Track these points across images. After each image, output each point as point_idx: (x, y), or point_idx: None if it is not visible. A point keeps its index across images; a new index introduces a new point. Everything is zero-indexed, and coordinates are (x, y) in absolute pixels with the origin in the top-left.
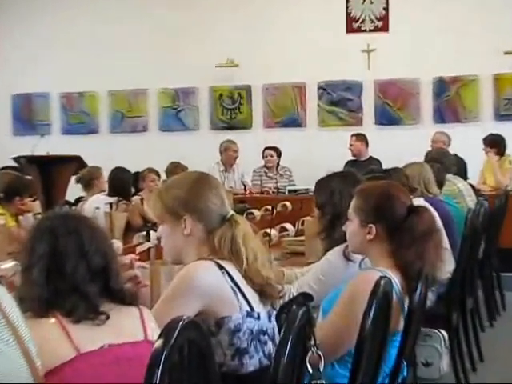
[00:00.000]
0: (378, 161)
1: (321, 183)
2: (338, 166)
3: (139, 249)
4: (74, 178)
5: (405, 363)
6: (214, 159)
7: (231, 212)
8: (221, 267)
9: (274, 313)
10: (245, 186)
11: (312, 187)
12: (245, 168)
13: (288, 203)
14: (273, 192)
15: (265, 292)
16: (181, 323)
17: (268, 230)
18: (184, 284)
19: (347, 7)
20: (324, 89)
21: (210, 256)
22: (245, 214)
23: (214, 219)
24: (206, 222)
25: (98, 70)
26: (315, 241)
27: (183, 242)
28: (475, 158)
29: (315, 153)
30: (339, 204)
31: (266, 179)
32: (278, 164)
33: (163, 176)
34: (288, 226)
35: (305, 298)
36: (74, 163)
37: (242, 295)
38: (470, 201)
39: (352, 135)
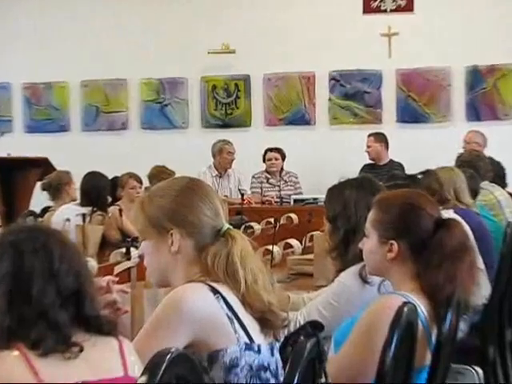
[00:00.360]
0: (401, 165)
1: (332, 192)
2: (353, 172)
3: (118, 269)
4: (39, 184)
5: None
6: (205, 162)
7: (227, 225)
8: (215, 291)
9: (278, 345)
10: (242, 195)
11: (322, 196)
12: (242, 173)
13: (293, 215)
14: (275, 202)
15: (266, 320)
16: (168, 357)
17: (270, 247)
18: (171, 311)
19: None
20: (337, 79)
21: (201, 277)
22: (242, 227)
23: (207, 234)
24: (196, 238)
25: (69, 57)
26: (326, 260)
27: (170, 261)
28: None
29: (326, 155)
30: (354, 216)
31: (268, 187)
32: (281, 169)
33: (146, 182)
34: (294, 242)
35: (314, 327)
36: (40, 167)
37: (239, 324)
38: (510, 213)
39: (369, 135)
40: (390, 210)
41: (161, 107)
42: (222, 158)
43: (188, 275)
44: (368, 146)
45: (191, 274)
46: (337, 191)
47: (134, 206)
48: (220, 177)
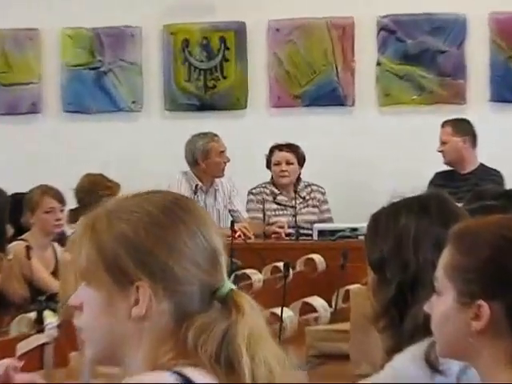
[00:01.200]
0: (499, 174)
1: (379, 220)
2: (417, 185)
3: (23, 346)
4: None
5: None
6: (175, 167)
7: (229, 285)
8: (187, 382)
9: None
10: (232, 222)
11: (364, 225)
12: (234, 186)
13: (317, 257)
14: (288, 234)
15: None
16: None
17: (277, 311)
18: None
19: None
20: (391, 30)
21: (172, 361)
22: (232, 276)
23: (194, 295)
24: (178, 299)
25: None
26: (370, 332)
27: (129, 330)
28: None
29: (372, 157)
30: (414, 260)
31: (276, 209)
32: (298, 179)
33: (71, 202)
34: (317, 302)
35: None
36: None
37: None
38: None
39: (445, 123)
40: (475, 250)
41: (97, 76)
42: (212, 163)
43: (155, 356)
44: (442, 142)
45: (159, 354)
46: (386, 219)
47: (78, 231)
48: (203, 191)
